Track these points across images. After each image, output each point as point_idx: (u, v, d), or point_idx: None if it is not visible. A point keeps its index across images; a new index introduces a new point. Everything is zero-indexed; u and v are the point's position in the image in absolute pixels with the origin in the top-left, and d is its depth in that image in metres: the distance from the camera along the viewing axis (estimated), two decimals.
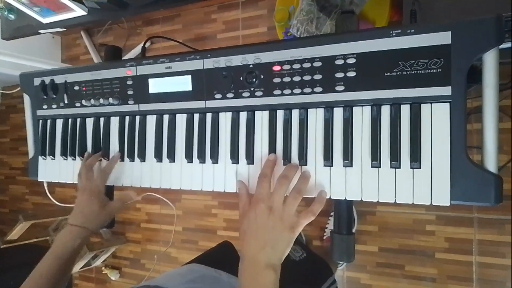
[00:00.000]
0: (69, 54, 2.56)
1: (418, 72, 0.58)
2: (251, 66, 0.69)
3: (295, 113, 0.66)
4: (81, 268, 2.13)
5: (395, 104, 0.60)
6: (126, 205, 2.19)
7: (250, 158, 0.69)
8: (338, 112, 0.63)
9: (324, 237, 1.73)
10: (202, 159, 0.74)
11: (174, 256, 2.15)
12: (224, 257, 0.82)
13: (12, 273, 0.73)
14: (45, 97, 0.91)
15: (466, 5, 0.88)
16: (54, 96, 0.90)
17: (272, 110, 0.68)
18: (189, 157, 0.75)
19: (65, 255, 0.75)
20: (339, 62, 0.62)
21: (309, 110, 0.65)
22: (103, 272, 2.32)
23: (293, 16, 1.31)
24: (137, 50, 2.22)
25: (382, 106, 0.61)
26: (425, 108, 0.58)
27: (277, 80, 0.67)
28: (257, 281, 0.58)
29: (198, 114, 0.75)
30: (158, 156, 0.78)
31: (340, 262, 1.59)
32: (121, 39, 2.33)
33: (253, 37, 1.94)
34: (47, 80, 0.91)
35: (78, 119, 0.89)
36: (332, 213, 1.67)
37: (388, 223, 1.63)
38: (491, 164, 0.56)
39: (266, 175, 0.64)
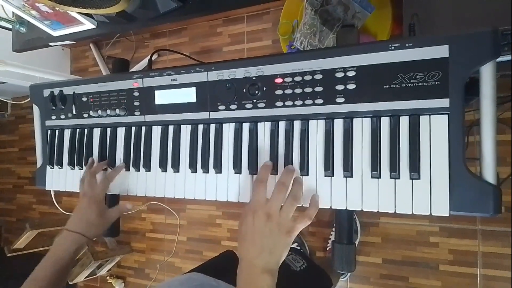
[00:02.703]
0: (78, 66, 2.61)
1: (416, 84, 0.59)
2: (254, 78, 0.70)
3: (297, 124, 0.68)
4: (86, 277, 2.14)
5: (394, 116, 0.61)
6: (126, 215, 2.22)
7: (252, 168, 0.70)
8: (338, 124, 0.65)
9: (327, 248, 1.72)
10: (205, 169, 0.75)
11: (178, 266, 2.15)
12: (225, 267, 0.83)
13: (18, 281, 0.73)
14: (53, 108, 0.94)
15: (464, 19, 0.90)
16: (63, 107, 0.92)
17: (274, 121, 0.69)
18: (193, 167, 0.76)
19: (60, 261, 0.75)
20: (340, 74, 0.64)
21: (310, 121, 0.67)
22: (108, 282, 2.33)
23: (297, 29, 1.34)
24: (144, 62, 2.25)
25: (382, 118, 0.62)
26: (423, 119, 0.59)
27: (279, 92, 0.68)
28: (254, 285, 0.59)
29: (202, 125, 0.76)
30: (163, 166, 0.80)
31: (341, 271, 1.58)
32: (129, 51, 2.37)
33: (258, 50, 1.97)
34: (56, 91, 0.93)
35: (86, 130, 0.91)
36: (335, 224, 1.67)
37: (391, 235, 1.63)
38: (489, 174, 0.57)
39: (262, 181, 0.65)
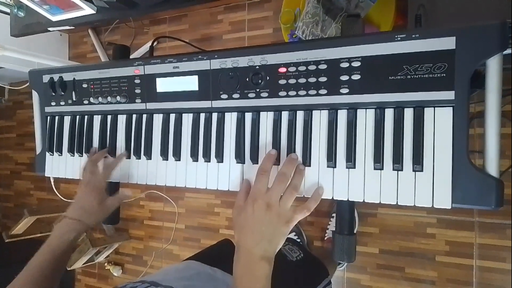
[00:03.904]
0: (76, 52, 2.59)
1: (422, 76, 0.58)
2: (257, 67, 0.70)
3: (300, 115, 0.67)
4: (84, 264, 2.15)
5: (399, 108, 0.60)
6: (125, 202, 2.23)
7: (254, 158, 0.70)
8: (342, 115, 0.64)
9: (325, 238, 1.74)
10: (207, 158, 0.75)
11: (176, 254, 2.17)
12: (222, 255, 0.84)
13: (16, 267, 0.73)
14: (53, 94, 0.93)
15: (471, 11, 0.89)
16: (63, 93, 0.91)
17: (277, 111, 0.69)
18: (194, 155, 0.76)
19: (59, 248, 0.75)
20: (344, 65, 0.63)
21: (313, 111, 0.66)
22: (106, 268, 2.34)
23: (299, 18, 1.32)
24: (143, 49, 2.23)
25: (386, 109, 0.61)
26: (428, 112, 0.59)
27: (282, 81, 0.68)
28: (252, 272, 0.60)
29: (204, 114, 0.76)
30: (164, 154, 0.79)
31: (341, 262, 1.59)
32: (128, 38, 2.35)
33: (259, 38, 1.95)
34: (56, 77, 0.92)
35: (86, 117, 0.90)
36: (333, 214, 1.68)
37: (389, 225, 1.64)
38: (492, 168, 0.56)
39: (265, 170, 0.65)
